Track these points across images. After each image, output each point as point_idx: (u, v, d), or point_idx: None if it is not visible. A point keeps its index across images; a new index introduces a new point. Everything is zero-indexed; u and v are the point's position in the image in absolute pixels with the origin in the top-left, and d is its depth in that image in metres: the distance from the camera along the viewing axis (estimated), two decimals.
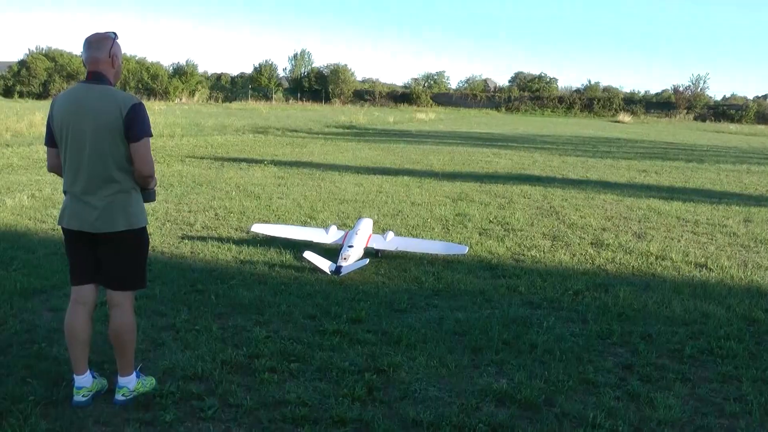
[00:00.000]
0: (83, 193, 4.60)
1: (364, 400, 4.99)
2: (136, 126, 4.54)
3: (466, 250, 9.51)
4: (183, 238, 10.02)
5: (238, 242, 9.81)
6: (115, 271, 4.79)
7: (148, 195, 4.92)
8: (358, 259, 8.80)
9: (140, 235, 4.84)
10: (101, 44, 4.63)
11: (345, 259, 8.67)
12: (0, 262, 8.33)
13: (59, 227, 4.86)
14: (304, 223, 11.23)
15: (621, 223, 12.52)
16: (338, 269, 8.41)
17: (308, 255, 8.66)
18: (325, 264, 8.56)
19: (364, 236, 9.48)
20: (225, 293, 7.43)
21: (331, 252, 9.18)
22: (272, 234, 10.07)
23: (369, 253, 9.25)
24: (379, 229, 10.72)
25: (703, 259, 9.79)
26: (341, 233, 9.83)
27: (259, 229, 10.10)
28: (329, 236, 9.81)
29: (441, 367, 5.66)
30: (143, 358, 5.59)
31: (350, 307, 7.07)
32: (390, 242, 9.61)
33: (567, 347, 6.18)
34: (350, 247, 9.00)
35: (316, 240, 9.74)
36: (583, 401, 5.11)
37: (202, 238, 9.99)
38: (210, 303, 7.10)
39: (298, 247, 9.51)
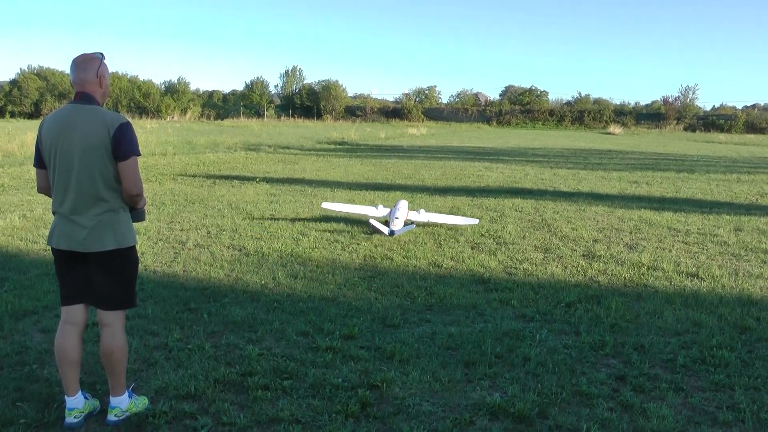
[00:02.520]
0: (72, 212, 4.61)
1: (358, 417, 4.99)
2: (123, 145, 4.56)
3: (477, 221, 13.15)
4: (175, 256, 10.01)
5: (231, 260, 9.81)
6: (105, 290, 4.78)
7: (138, 214, 4.92)
8: (405, 225, 12.11)
9: (129, 254, 4.82)
10: (88, 65, 4.65)
11: (395, 225, 11.81)
12: None
13: (50, 247, 4.85)
14: (303, 234, 11.27)
15: (612, 234, 12.54)
16: (392, 232, 11.56)
17: (373, 221, 11.93)
18: (385, 228, 11.64)
19: (404, 211, 12.48)
20: (217, 311, 7.42)
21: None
22: (338, 211, 13.52)
23: (408, 223, 12.47)
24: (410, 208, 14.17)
25: (694, 269, 9.80)
26: (387, 210, 13.22)
27: (328, 206, 13.51)
28: (378, 212, 13.18)
29: (434, 381, 5.65)
30: (135, 377, 5.59)
31: (343, 324, 7.06)
32: (422, 216, 12.85)
33: (560, 359, 6.19)
34: (396, 218, 12.02)
35: (370, 214, 12.98)
36: (576, 413, 5.11)
37: (195, 257, 9.98)
38: (203, 321, 7.09)
39: (291, 263, 9.56)
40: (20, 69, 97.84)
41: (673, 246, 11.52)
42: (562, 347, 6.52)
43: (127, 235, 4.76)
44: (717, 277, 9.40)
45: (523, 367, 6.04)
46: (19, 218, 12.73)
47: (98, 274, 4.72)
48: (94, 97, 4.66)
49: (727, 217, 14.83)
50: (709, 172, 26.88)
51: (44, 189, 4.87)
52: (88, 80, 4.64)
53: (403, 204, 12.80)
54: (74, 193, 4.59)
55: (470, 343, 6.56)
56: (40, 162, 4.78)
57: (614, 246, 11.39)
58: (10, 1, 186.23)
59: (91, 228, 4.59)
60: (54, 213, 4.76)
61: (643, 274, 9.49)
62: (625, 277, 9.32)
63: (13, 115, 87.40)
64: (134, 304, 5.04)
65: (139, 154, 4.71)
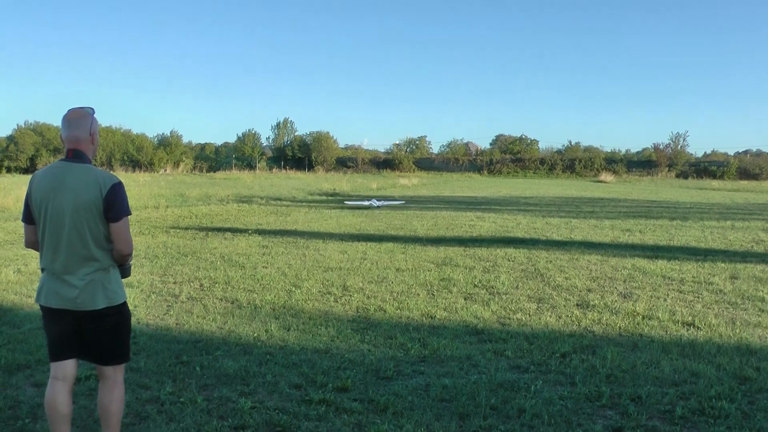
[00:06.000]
0: (63, 272, 4.59)
1: None
2: (116, 206, 4.57)
3: (403, 201, 35.24)
4: (168, 309, 9.96)
5: (223, 313, 9.76)
6: (101, 347, 4.77)
7: (125, 271, 4.91)
8: (380, 201, 31.95)
9: (121, 311, 4.81)
10: (81, 122, 4.66)
11: (378, 203, 30.91)
12: None
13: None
14: (296, 286, 11.21)
15: (606, 283, 12.50)
16: (378, 207, 30.24)
17: (374, 204, 30.76)
18: (374, 205, 30.57)
19: (377, 200, 31.82)
20: (210, 364, 7.36)
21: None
22: (352, 204, 31.89)
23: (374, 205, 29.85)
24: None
25: (690, 318, 9.75)
26: (370, 201, 31.47)
27: (348, 203, 32.61)
28: (371, 201, 31.36)
29: None
30: (128, 431, 5.52)
31: (336, 376, 7.01)
32: (384, 203, 31.86)
33: (555, 411, 6.13)
34: (377, 200, 32.11)
35: (365, 203, 31.38)
36: None
37: (188, 309, 9.93)
38: (195, 374, 7.03)
39: (283, 315, 9.52)
40: (17, 125, 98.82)
41: (668, 294, 11.48)
42: (557, 398, 6.47)
43: (117, 292, 4.75)
44: (714, 326, 9.34)
45: (519, 419, 5.98)
46: (13, 273, 12.69)
47: (92, 332, 4.71)
48: (86, 155, 4.67)
49: (723, 264, 14.79)
50: (703, 219, 26.89)
51: (32, 244, 4.85)
52: (81, 138, 4.66)
53: (375, 201, 31.43)
54: (65, 252, 4.57)
55: (464, 394, 6.51)
56: (28, 217, 4.77)
57: (608, 295, 11.35)
58: (7, 58, 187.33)
59: (82, 288, 4.58)
60: (42, 269, 4.73)
61: (638, 324, 9.44)
62: (620, 327, 9.27)
63: (9, 170, 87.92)
64: (128, 359, 5.01)
65: (130, 214, 4.72)
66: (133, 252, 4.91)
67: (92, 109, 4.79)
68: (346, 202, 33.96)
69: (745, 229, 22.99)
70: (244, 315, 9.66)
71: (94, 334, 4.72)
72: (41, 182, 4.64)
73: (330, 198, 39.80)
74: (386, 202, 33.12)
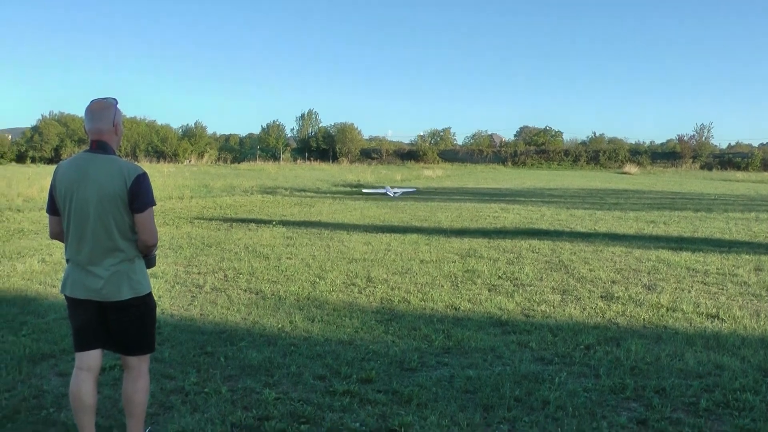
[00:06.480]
0: (88, 263, 4.61)
1: None
2: (140, 197, 4.57)
3: (415, 189, 39.85)
4: (192, 300, 10.00)
5: (248, 304, 9.78)
6: (126, 337, 4.79)
7: (150, 261, 4.93)
8: (395, 190, 35.44)
9: (147, 301, 4.82)
10: (104, 114, 4.66)
11: (395, 193, 34.22)
12: (10, 328, 8.33)
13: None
14: (320, 277, 11.25)
15: (630, 275, 12.44)
16: (393, 195, 33.04)
17: (388, 193, 34.53)
18: (390, 193, 34.21)
19: (391, 189, 35.59)
20: (234, 355, 7.39)
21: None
22: (368, 191, 36.36)
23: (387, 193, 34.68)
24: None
25: (714, 310, 9.69)
26: (384, 189, 36.01)
27: (366, 191, 36.84)
28: (385, 189, 35.70)
29: (453, 425, 5.59)
30: (152, 421, 5.56)
31: (360, 367, 7.02)
32: (397, 191, 35.53)
33: (580, 403, 6.11)
34: (392, 188, 36.34)
35: (381, 191, 35.56)
36: None
37: (212, 300, 9.97)
38: (219, 365, 7.06)
39: (307, 306, 9.53)
40: (42, 115, 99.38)
41: (692, 286, 11.41)
42: (581, 390, 6.44)
43: (142, 282, 4.76)
44: (738, 318, 9.28)
45: (543, 410, 5.97)
46: (38, 262, 12.78)
47: (117, 322, 4.73)
48: (110, 146, 4.67)
49: (747, 256, 14.67)
50: (728, 211, 26.68)
51: (57, 235, 4.87)
52: (104, 130, 4.66)
53: (389, 188, 35.70)
54: (90, 243, 4.59)
55: (489, 386, 6.50)
56: (53, 209, 4.79)
57: (632, 287, 11.29)
58: (32, 50, 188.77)
59: (107, 278, 4.60)
60: (68, 260, 4.75)
61: (662, 316, 9.39)
62: (644, 319, 9.23)
63: (33, 160, 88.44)
64: (152, 349, 5.03)
65: (155, 204, 4.72)
66: (158, 242, 4.89)
67: (115, 99, 4.79)
68: (363, 190, 37.73)
69: None
70: (269, 306, 9.69)
71: (120, 324, 4.74)
72: (65, 173, 4.65)
73: (354, 189, 39.78)
74: (401, 191, 36.24)
